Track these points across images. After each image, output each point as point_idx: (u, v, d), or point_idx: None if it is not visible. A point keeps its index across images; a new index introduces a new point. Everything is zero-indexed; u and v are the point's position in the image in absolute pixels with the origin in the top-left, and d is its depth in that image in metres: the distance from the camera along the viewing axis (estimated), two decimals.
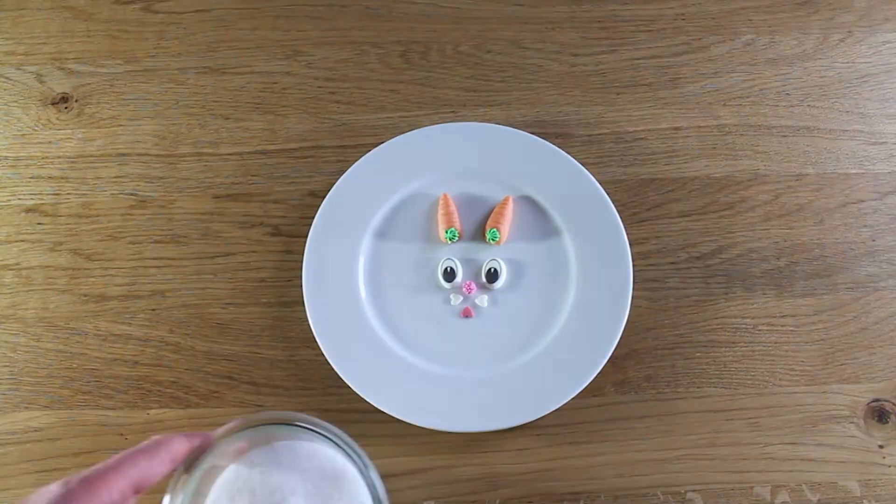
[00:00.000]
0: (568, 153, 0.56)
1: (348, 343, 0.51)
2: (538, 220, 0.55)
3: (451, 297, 0.53)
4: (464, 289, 0.53)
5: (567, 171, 0.56)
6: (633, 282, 0.53)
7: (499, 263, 0.54)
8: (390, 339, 0.52)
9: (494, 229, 0.54)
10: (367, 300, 0.53)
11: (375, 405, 0.49)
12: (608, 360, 0.50)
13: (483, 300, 0.53)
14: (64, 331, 0.54)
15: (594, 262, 0.53)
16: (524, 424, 0.50)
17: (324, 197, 0.55)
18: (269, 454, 0.37)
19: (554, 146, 0.56)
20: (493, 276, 0.53)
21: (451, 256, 0.54)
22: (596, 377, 0.50)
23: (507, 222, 0.54)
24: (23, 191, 0.59)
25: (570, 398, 0.49)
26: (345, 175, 0.56)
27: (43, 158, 0.60)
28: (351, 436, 0.34)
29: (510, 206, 0.55)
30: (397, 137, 0.57)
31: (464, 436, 0.50)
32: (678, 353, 0.53)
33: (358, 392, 0.49)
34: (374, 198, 0.56)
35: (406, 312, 0.53)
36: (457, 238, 0.54)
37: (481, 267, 0.54)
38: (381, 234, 0.55)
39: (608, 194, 0.55)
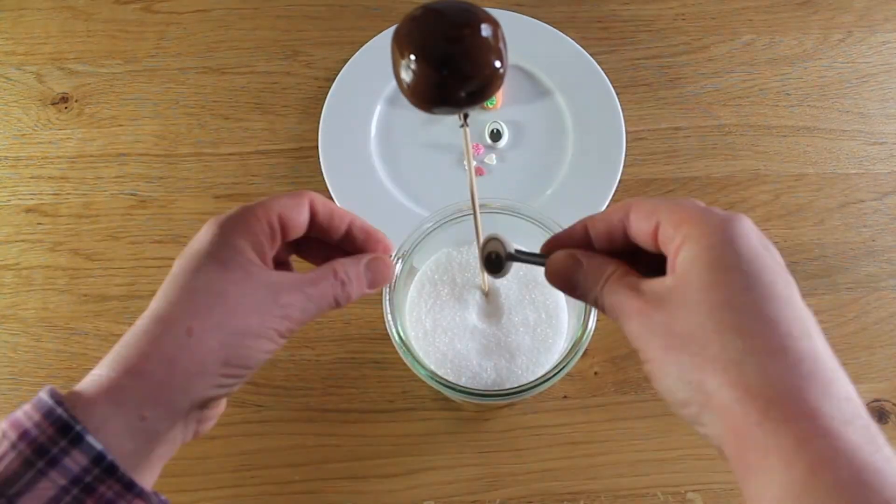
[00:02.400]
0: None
1: (362, 203, 0.55)
2: (530, 85, 0.61)
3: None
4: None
5: (548, 36, 0.61)
6: None
7: (500, 124, 0.59)
8: (404, 196, 0.57)
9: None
10: (378, 159, 0.58)
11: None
12: (608, 360, 0.50)
13: (492, 158, 0.58)
14: (64, 331, 0.54)
15: (586, 111, 0.59)
16: (525, 424, 0.50)
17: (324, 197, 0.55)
18: (467, 249, 0.45)
19: (532, 18, 0.62)
20: (496, 136, 0.58)
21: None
22: (596, 377, 0.50)
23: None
24: (23, 191, 0.59)
25: None
26: (358, 52, 0.61)
27: (43, 158, 0.60)
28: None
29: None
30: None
31: (464, 436, 0.50)
32: None
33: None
34: (386, 69, 0.58)
35: (419, 171, 0.58)
36: None
37: (483, 130, 0.59)
38: (392, 101, 0.60)
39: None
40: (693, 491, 0.49)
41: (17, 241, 0.57)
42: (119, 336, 0.54)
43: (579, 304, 0.42)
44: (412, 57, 0.30)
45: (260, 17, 0.65)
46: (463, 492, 0.49)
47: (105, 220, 0.58)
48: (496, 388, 0.42)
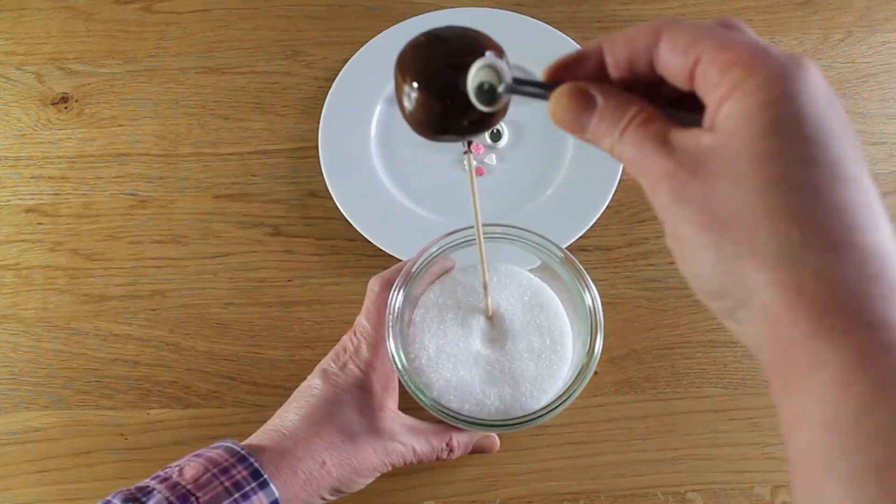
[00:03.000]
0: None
1: (362, 203, 0.56)
2: None
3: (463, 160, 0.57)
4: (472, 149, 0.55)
5: (548, 37, 0.61)
6: (634, 281, 0.53)
7: (500, 124, 0.58)
8: (403, 196, 0.57)
9: None
10: (378, 158, 0.58)
11: (385, 249, 0.54)
12: (608, 360, 0.50)
13: (492, 158, 0.58)
14: (64, 331, 0.54)
15: None
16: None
17: (324, 197, 0.55)
18: (471, 272, 0.46)
19: (532, 18, 0.61)
20: (496, 136, 0.58)
21: None
22: (596, 377, 0.50)
23: None
24: (23, 191, 0.59)
25: (578, 236, 0.54)
26: (358, 52, 0.61)
27: (43, 158, 0.60)
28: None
29: None
30: (407, 21, 0.61)
31: None
32: (678, 353, 0.53)
33: (369, 239, 0.54)
34: (386, 69, 0.59)
35: (418, 171, 0.58)
36: None
37: None
38: (392, 101, 0.59)
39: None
40: (693, 491, 0.49)
41: (17, 241, 0.57)
42: (119, 336, 0.54)
43: (585, 330, 0.41)
44: (414, 84, 0.29)
45: (260, 17, 0.65)
46: (463, 492, 0.49)
47: (105, 220, 0.58)
48: (500, 418, 0.41)
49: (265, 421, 0.51)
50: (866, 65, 0.63)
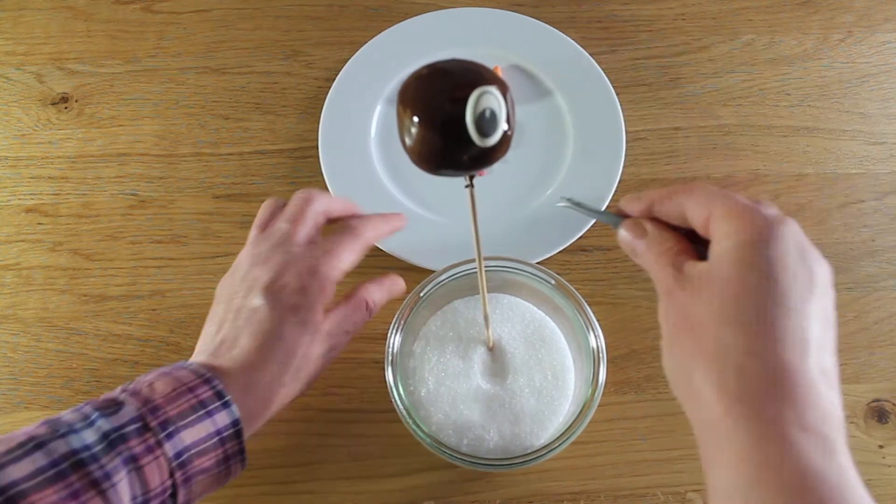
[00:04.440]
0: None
1: (362, 203, 0.55)
2: (530, 85, 0.60)
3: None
4: None
5: (548, 37, 0.61)
6: (634, 281, 0.53)
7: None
8: (403, 196, 0.57)
9: None
10: (378, 159, 0.58)
11: (385, 249, 0.54)
12: (608, 361, 0.50)
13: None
14: (64, 331, 0.54)
15: (586, 111, 0.59)
16: None
17: None
18: (473, 304, 0.46)
19: (532, 18, 0.62)
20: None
21: None
22: None
23: None
24: (23, 191, 0.59)
25: (576, 238, 0.54)
26: (358, 52, 0.61)
27: (43, 158, 0.60)
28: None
29: (500, 74, 0.58)
30: (407, 21, 0.62)
31: None
32: None
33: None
34: (386, 69, 0.61)
35: (418, 171, 0.56)
36: None
37: None
38: (392, 101, 0.59)
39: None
40: (693, 491, 0.49)
41: (17, 241, 0.57)
42: (119, 336, 0.54)
43: (587, 365, 0.41)
44: (415, 119, 0.29)
45: (260, 17, 0.65)
46: (463, 492, 0.49)
47: (105, 220, 0.58)
48: (499, 456, 0.41)
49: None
50: (866, 65, 0.63)
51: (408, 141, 0.29)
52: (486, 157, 0.30)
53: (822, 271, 0.30)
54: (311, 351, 0.41)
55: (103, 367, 0.53)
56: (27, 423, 0.52)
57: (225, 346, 0.40)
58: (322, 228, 0.45)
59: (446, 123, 0.28)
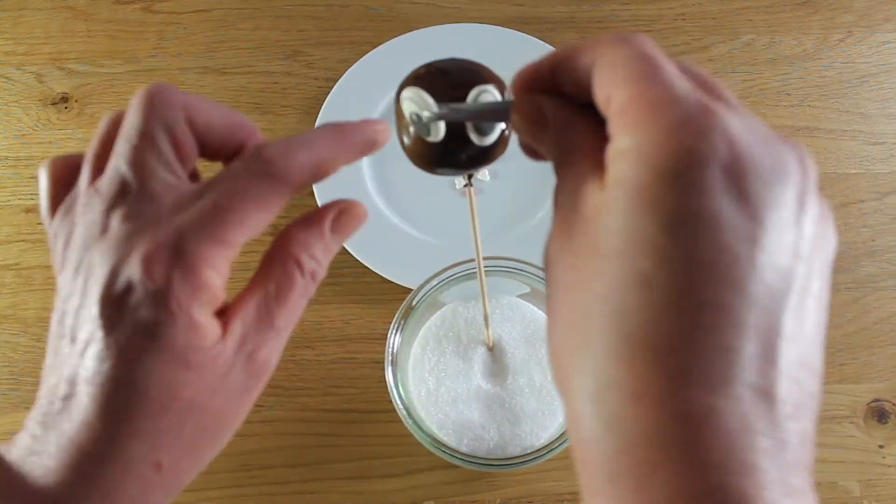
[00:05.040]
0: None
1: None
2: None
3: (455, 179, 0.56)
4: None
5: (544, 51, 0.60)
6: None
7: None
8: (395, 216, 0.55)
9: None
10: (370, 178, 0.57)
11: (382, 274, 0.52)
12: None
13: (484, 174, 0.57)
14: None
15: None
16: None
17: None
18: (473, 304, 0.44)
19: (529, 35, 0.60)
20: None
21: None
22: None
23: None
24: (23, 191, 0.59)
25: None
26: (354, 65, 0.60)
27: (43, 158, 0.60)
28: None
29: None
30: (405, 34, 0.61)
31: None
32: None
33: (358, 259, 0.53)
34: (382, 83, 0.60)
35: (410, 190, 0.57)
36: None
37: None
38: (385, 118, 0.58)
39: None
40: None
41: (17, 241, 0.57)
42: None
43: None
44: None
45: (260, 17, 0.65)
46: (463, 492, 0.49)
47: None
48: (499, 457, 0.41)
49: (265, 421, 0.51)
50: (866, 65, 0.63)
51: (406, 140, 0.30)
52: (485, 156, 0.30)
53: (793, 188, 0.18)
54: (203, 395, 0.22)
55: None
56: None
57: (52, 413, 0.22)
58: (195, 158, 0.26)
59: (445, 122, 0.28)
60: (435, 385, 0.43)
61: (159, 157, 0.23)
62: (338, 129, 0.25)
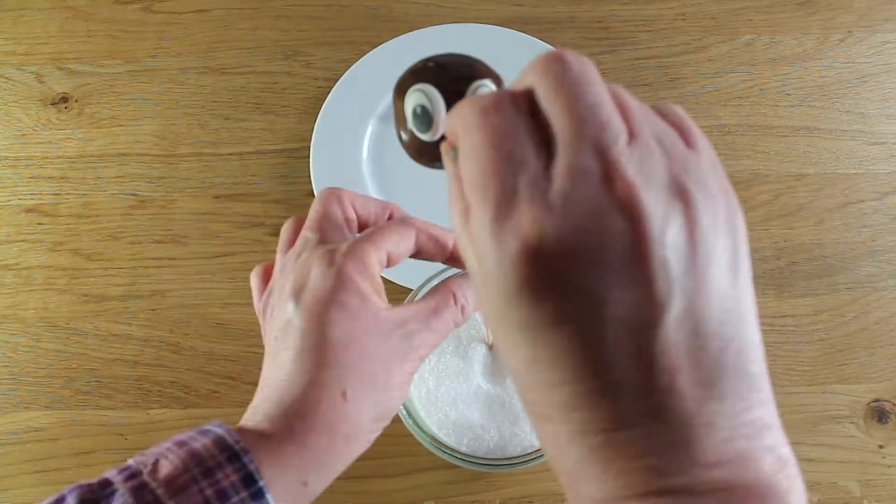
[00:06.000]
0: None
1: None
2: None
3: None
4: None
5: (543, 50, 0.60)
6: None
7: None
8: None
9: None
10: (370, 178, 0.57)
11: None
12: None
13: None
14: (64, 331, 0.54)
15: None
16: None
17: None
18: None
19: (529, 35, 0.60)
20: None
21: None
22: None
23: None
24: (23, 191, 0.59)
25: None
26: (353, 66, 0.60)
27: (43, 158, 0.60)
28: None
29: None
30: (403, 35, 0.61)
31: None
32: None
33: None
34: (379, 88, 0.60)
35: (411, 190, 0.57)
36: None
37: None
38: (385, 118, 0.59)
39: None
40: None
41: (17, 241, 0.57)
42: (119, 336, 0.54)
43: None
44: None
45: (260, 17, 0.65)
46: (463, 492, 0.49)
47: (105, 220, 0.58)
48: (497, 456, 0.41)
49: None
50: (866, 65, 0.63)
51: (404, 135, 0.30)
52: None
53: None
54: (371, 346, 0.30)
55: (103, 367, 0.53)
56: (27, 423, 0.52)
57: (266, 387, 0.31)
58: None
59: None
60: (435, 385, 0.43)
61: (329, 224, 0.33)
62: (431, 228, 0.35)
